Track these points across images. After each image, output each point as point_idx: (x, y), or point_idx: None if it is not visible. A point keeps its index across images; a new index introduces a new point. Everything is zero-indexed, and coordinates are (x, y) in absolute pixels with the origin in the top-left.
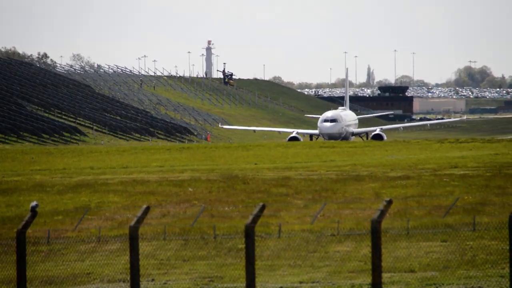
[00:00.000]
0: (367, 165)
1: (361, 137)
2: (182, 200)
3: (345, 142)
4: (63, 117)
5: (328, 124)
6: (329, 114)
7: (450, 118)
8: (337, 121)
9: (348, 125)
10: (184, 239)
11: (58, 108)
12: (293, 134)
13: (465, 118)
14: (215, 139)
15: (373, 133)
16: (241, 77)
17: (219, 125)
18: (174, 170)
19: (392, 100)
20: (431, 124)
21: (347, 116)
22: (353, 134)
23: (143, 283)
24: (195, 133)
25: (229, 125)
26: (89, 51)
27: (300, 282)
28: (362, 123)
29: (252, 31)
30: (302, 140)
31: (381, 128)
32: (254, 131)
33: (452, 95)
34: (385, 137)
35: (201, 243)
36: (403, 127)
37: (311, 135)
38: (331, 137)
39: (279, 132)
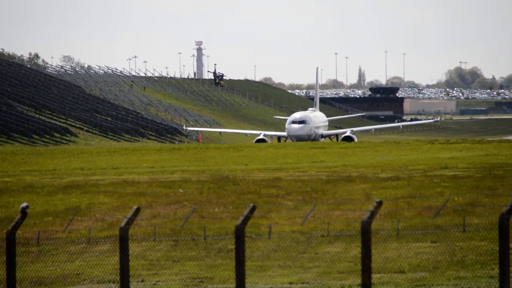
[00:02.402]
0: (357, 166)
1: (331, 139)
2: (172, 201)
3: (336, 143)
4: (54, 118)
5: (296, 125)
6: (297, 115)
7: (422, 120)
8: (305, 123)
9: (318, 127)
10: (174, 240)
11: (48, 109)
12: (260, 136)
13: (438, 119)
14: (206, 140)
15: (343, 135)
16: (232, 78)
17: (184, 127)
18: (165, 171)
19: (383, 101)
20: (403, 126)
21: (316, 118)
22: (323, 136)
23: (133, 284)
24: (186, 134)
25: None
26: (80, 52)
27: (290, 283)
28: (351, 124)
29: (243, 32)
30: (269, 142)
31: (352, 130)
32: (221, 133)
33: (443, 96)
34: (355, 139)
35: (191, 244)
36: (374, 129)
37: (279, 137)
38: (300, 139)
39: (245, 134)
